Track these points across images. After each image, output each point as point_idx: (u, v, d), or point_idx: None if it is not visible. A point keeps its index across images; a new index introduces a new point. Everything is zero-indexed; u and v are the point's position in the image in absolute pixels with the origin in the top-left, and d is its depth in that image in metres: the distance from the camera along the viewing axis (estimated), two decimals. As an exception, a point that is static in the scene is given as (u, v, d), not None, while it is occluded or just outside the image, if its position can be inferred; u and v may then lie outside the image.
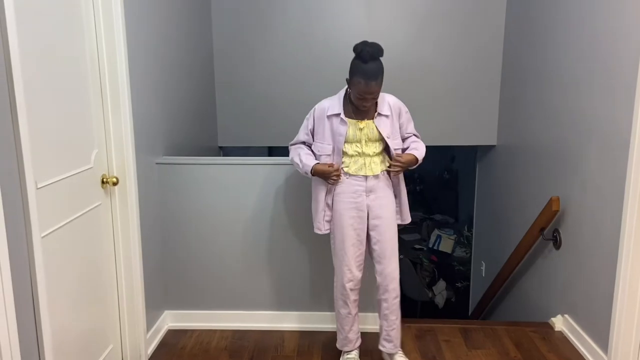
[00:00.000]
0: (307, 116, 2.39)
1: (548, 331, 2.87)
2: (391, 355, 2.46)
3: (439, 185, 7.58)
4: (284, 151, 4.09)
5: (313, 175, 2.31)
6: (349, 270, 2.36)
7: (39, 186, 1.74)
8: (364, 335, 2.59)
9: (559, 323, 2.88)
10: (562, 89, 2.94)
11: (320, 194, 2.37)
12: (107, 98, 2.22)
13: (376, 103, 2.28)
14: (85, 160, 2.10)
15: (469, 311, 5.09)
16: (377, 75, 2.13)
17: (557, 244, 2.98)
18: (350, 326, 2.45)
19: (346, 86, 2.31)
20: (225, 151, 4.36)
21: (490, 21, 3.93)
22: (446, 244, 6.52)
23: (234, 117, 4.14)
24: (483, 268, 4.66)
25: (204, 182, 2.78)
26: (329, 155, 2.30)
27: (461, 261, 6.19)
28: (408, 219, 2.45)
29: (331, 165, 2.27)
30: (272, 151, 5.73)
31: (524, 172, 3.57)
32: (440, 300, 5.84)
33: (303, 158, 2.32)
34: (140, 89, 2.47)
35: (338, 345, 2.51)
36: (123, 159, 2.31)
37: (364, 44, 2.16)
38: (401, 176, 2.39)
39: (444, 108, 4.04)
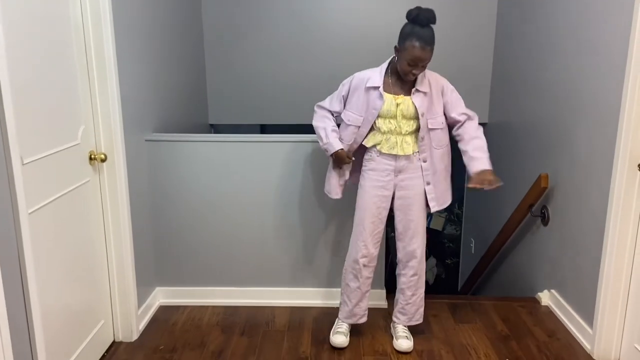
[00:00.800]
0: (344, 82, 2.33)
1: (535, 306, 2.91)
2: (398, 330, 2.50)
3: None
4: (276, 129, 4.08)
5: (330, 156, 2.31)
6: (365, 245, 2.36)
7: (25, 162, 1.73)
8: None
9: (546, 298, 2.92)
10: (553, 67, 2.93)
11: (334, 167, 2.38)
12: (94, 73, 2.19)
13: (415, 79, 2.23)
14: (72, 136, 2.08)
15: (459, 287, 5.16)
16: (432, 40, 2.09)
17: (545, 220, 3.01)
18: (358, 301, 2.46)
19: (389, 58, 2.28)
20: (216, 129, 4.33)
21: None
22: (437, 222, 6.55)
23: (225, 94, 4.11)
24: (472, 245, 4.71)
25: (195, 159, 2.77)
26: (357, 127, 2.26)
27: (451, 238, 6.24)
28: (447, 203, 2.40)
29: (350, 158, 2.30)
30: (264, 129, 5.70)
31: (514, 149, 3.58)
32: (430, 277, 5.91)
33: (330, 135, 2.30)
34: (128, 65, 2.44)
35: (342, 317, 2.51)
36: (111, 136, 2.29)
37: (419, 8, 2.11)
38: (443, 159, 2.33)
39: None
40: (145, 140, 2.70)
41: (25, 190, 1.71)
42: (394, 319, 2.54)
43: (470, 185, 2.22)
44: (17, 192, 1.66)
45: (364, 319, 2.52)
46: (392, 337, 2.53)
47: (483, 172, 2.21)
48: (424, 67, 2.16)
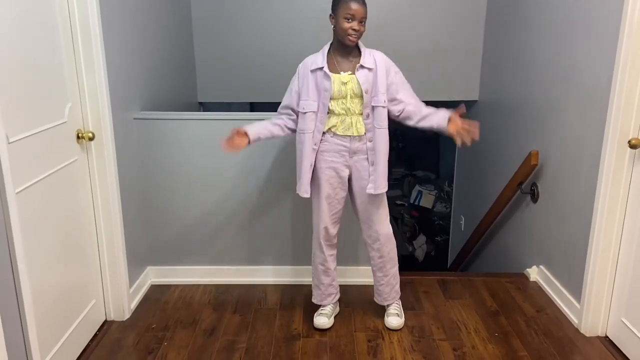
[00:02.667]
0: (293, 78, 2.31)
1: (523, 282, 2.95)
2: (389, 308, 2.53)
3: (420, 142, 7.57)
4: (266, 107, 4.02)
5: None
6: (325, 228, 2.37)
7: (10, 140, 1.69)
8: (346, 288, 2.64)
9: (534, 274, 2.96)
10: (543, 43, 2.91)
11: (305, 154, 2.26)
12: (79, 50, 2.14)
13: (360, 55, 2.21)
14: (58, 114, 2.04)
15: (448, 264, 5.21)
16: None
17: (534, 197, 3.03)
18: (330, 281, 2.48)
19: (329, 42, 2.26)
20: (206, 107, 4.28)
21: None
22: (427, 200, 6.60)
23: (214, 72, 4.05)
24: (462, 222, 4.74)
25: (184, 137, 2.74)
26: (314, 112, 2.22)
27: (441, 216, 6.29)
28: (383, 189, 2.27)
29: (243, 133, 2.26)
30: (254, 107, 5.64)
31: (504, 126, 3.58)
32: (420, 254, 5.97)
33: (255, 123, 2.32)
34: (115, 42, 2.38)
35: (315, 300, 2.53)
36: (98, 114, 2.25)
37: None
38: (384, 141, 2.25)
39: (427, 64, 3.99)
40: (134, 119, 2.66)
41: (12, 169, 1.68)
42: (376, 300, 2.56)
43: (457, 138, 2.22)
44: (3, 172, 1.63)
45: (338, 296, 2.54)
46: (384, 313, 2.55)
47: (453, 119, 2.22)
48: (362, 24, 2.13)
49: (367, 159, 2.27)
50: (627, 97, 2.15)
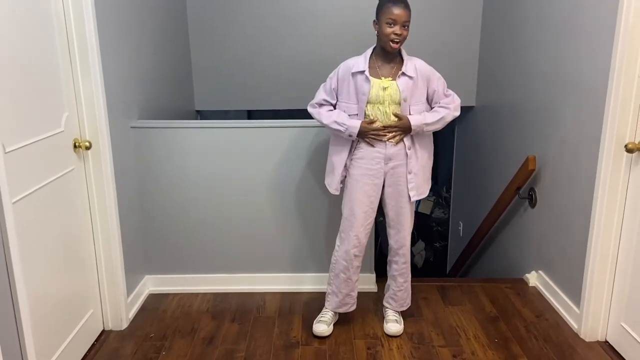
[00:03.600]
0: (331, 75, 2.29)
1: (523, 287, 2.95)
2: (388, 314, 2.52)
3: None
4: (263, 114, 4.04)
5: (358, 136, 2.21)
6: (357, 237, 2.34)
7: (7, 150, 1.69)
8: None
9: (533, 279, 2.96)
10: (539, 48, 2.93)
11: (341, 154, 2.29)
12: (76, 59, 2.14)
13: (402, 62, 2.22)
14: (55, 123, 2.04)
15: (447, 270, 5.20)
16: (406, 2, 2.12)
17: (532, 202, 3.03)
18: (349, 291, 2.45)
19: (372, 47, 2.26)
20: (203, 115, 4.28)
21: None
22: (425, 206, 6.58)
23: (210, 80, 4.05)
24: (461, 228, 4.74)
25: (181, 146, 2.74)
26: (355, 114, 2.22)
27: (440, 222, 6.28)
28: (425, 194, 2.35)
29: (372, 122, 2.19)
30: (251, 114, 5.65)
31: (501, 132, 3.59)
32: (419, 260, 5.95)
33: (341, 119, 2.21)
34: (111, 50, 2.39)
35: (332, 307, 2.49)
36: (95, 123, 2.25)
37: None
38: (425, 147, 2.28)
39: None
40: (131, 127, 2.66)
41: (8, 179, 1.67)
42: (385, 304, 2.56)
43: (393, 114, 2.21)
44: (-1, 181, 1.62)
45: (354, 307, 2.52)
46: (383, 320, 2.54)
47: (404, 119, 2.20)
48: (405, 28, 2.14)
49: (405, 164, 2.27)
50: (623, 101, 2.16)
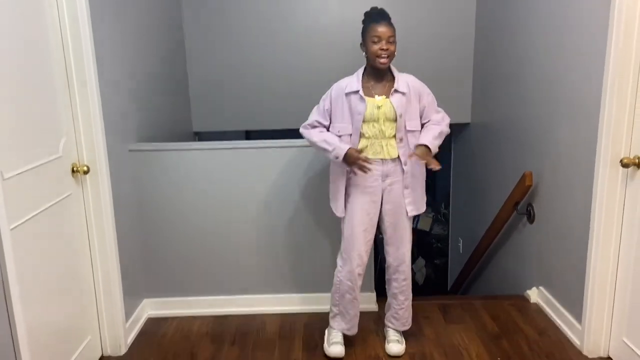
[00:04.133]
0: (324, 97, 2.30)
1: (524, 304, 2.93)
2: (390, 334, 2.49)
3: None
4: (261, 135, 4.05)
5: (343, 160, 2.20)
6: (359, 255, 2.33)
7: (5, 177, 1.70)
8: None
9: (534, 295, 2.94)
10: (534, 66, 2.96)
11: (340, 178, 2.30)
12: (74, 84, 2.16)
13: (394, 79, 2.25)
14: (53, 149, 2.05)
15: (448, 287, 5.17)
16: (387, 16, 2.19)
17: (531, 218, 3.03)
18: (356, 311, 2.44)
19: (362, 67, 2.29)
20: (201, 137, 4.30)
21: (463, 1, 3.92)
22: (424, 222, 6.58)
23: (208, 102, 4.08)
24: (460, 244, 4.73)
25: (180, 168, 2.74)
26: (349, 135, 2.24)
27: (439, 238, 6.27)
28: (423, 208, 2.37)
29: (360, 151, 2.20)
30: (249, 135, 5.68)
31: (498, 148, 3.61)
32: (419, 278, 5.93)
33: (331, 140, 2.22)
34: (109, 74, 2.41)
35: (338, 327, 2.46)
36: (93, 147, 2.26)
37: (367, 11, 2.26)
38: (417, 166, 2.30)
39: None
40: (129, 151, 2.67)
41: (7, 205, 1.68)
42: (387, 323, 2.53)
43: (409, 155, 2.23)
44: (-3, 208, 1.62)
45: (357, 327, 2.50)
46: (384, 340, 2.52)
47: (420, 146, 2.23)
48: (390, 43, 2.17)
49: (402, 181, 2.29)
50: (617, 116, 2.18)
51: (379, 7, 2.24)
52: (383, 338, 2.54)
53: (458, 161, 4.78)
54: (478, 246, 3.79)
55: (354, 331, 2.48)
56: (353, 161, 2.19)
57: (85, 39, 2.15)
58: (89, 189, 2.29)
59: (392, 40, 2.18)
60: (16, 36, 1.81)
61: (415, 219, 6.65)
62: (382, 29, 2.15)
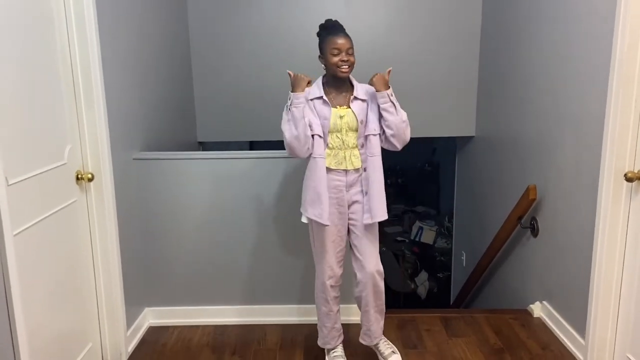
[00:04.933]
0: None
1: (527, 318, 2.91)
2: (381, 349, 2.44)
3: (420, 178, 7.63)
4: (265, 145, 4.08)
5: (295, 91, 2.17)
6: (330, 267, 2.32)
7: (10, 183, 1.71)
8: (347, 327, 2.59)
9: (538, 309, 2.92)
10: (537, 79, 2.97)
11: (322, 180, 2.20)
12: (80, 92, 2.18)
13: (352, 88, 2.25)
14: (58, 156, 2.06)
15: (451, 301, 5.14)
16: (341, 27, 2.20)
17: (534, 231, 3.02)
18: (333, 324, 2.41)
19: (321, 76, 2.28)
20: (205, 147, 4.32)
21: (468, 14, 3.95)
22: (428, 236, 6.57)
23: (213, 112, 4.11)
24: (464, 258, 4.71)
25: (183, 177, 2.75)
26: (320, 136, 2.20)
27: (442, 252, 6.25)
28: (380, 217, 2.23)
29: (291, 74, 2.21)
30: (253, 145, 5.70)
31: (502, 161, 3.61)
32: (422, 291, 5.89)
33: (283, 116, 2.21)
34: (115, 83, 2.43)
35: (320, 343, 2.46)
36: (98, 155, 2.27)
37: (322, 23, 2.26)
38: (378, 169, 2.25)
39: (424, 100, 4.05)
40: (133, 159, 2.69)
41: (10, 211, 1.68)
42: (361, 340, 2.44)
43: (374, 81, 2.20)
44: (1, 213, 1.63)
45: (342, 338, 2.47)
46: (377, 352, 2.46)
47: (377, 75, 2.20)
48: (350, 55, 2.17)
49: (362, 190, 2.27)
50: (621, 130, 2.18)
51: (330, 21, 2.25)
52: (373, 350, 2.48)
53: (462, 174, 4.78)
54: (481, 260, 3.77)
55: (333, 344, 2.43)
56: (298, 80, 2.20)
57: (92, 48, 2.17)
58: (93, 197, 2.30)
59: (351, 52, 2.19)
60: (23, 44, 1.83)
61: (418, 232, 6.63)
62: (341, 41, 2.16)
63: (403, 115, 2.22)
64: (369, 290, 2.32)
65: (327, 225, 2.23)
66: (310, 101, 2.24)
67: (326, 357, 2.46)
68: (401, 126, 2.20)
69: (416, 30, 3.98)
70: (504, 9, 3.52)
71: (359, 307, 2.40)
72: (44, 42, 1.96)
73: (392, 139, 2.22)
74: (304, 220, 2.30)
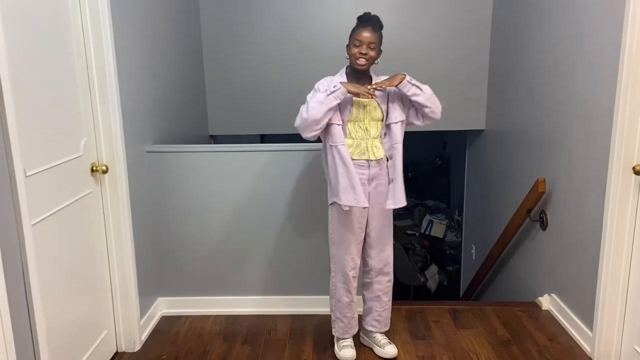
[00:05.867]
0: (315, 88, 2.26)
1: (535, 310, 2.92)
2: (378, 339, 2.50)
3: (431, 172, 7.63)
4: (276, 138, 4.12)
5: (348, 89, 2.15)
6: (352, 259, 2.35)
7: (28, 174, 1.76)
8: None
9: (546, 302, 2.93)
10: (547, 73, 2.97)
11: (349, 162, 2.19)
12: (95, 86, 2.23)
13: (371, 81, 2.27)
14: (74, 148, 2.11)
15: (460, 294, 5.16)
16: (372, 21, 2.21)
17: (543, 224, 3.02)
18: (353, 313, 2.45)
19: (345, 66, 2.31)
20: (217, 140, 4.36)
21: (478, 8, 3.94)
22: (438, 229, 6.57)
23: (224, 105, 4.14)
24: (473, 251, 4.72)
25: (195, 170, 2.80)
26: (339, 125, 2.21)
27: (452, 245, 6.25)
28: (403, 202, 2.27)
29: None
30: (264, 139, 5.74)
31: (511, 155, 3.61)
32: (432, 285, 5.91)
33: (320, 95, 2.16)
34: (128, 77, 2.48)
35: (338, 334, 2.47)
36: (112, 147, 2.32)
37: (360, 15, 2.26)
38: (400, 155, 2.28)
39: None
40: (146, 152, 2.73)
41: (29, 201, 1.73)
42: (370, 328, 2.51)
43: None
44: (20, 204, 1.68)
45: (357, 328, 2.52)
46: (369, 346, 2.52)
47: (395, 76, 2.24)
48: (371, 49, 2.19)
49: (387, 182, 2.30)
50: (630, 123, 2.18)
51: (372, 13, 2.27)
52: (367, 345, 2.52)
53: (472, 168, 4.78)
54: (490, 253, 3.78)
55: (352, 333, 2.49)
56: (356, 89, 2.16)
57: (106, 44, 2.21)
58: (107, 188, 2.35)
59: (372, 46, 2.20)
60: (40, 40, 1.88)
61: (429, 225, 6.64)
62: (365, 34, 2.19)
63: (427, 89, 2.27)
64: (382, 278, 2.40)
65: (366, 207, 2.24)
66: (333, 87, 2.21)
67: (336, 346, 2.50)
68: (432, 99, 2.28)
69: (425, 23, 3.97)
70: (514, 2, 3.51)
71: (366, 294, 2.48)
72: (59, 37, 2.01)
73: (431, 114, 2.29)
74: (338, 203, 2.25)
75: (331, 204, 2.34)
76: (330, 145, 2.24)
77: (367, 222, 2.36)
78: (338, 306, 2.44)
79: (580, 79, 2.59)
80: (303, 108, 2.23)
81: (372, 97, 2.19)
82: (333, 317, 2.49)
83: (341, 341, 2.49)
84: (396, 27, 3.97)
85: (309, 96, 2.25)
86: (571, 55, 2.68)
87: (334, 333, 2.50)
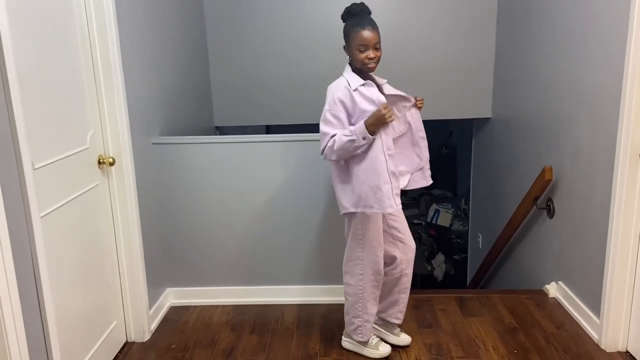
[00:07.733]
0: (330, 111, 2.10)
1: (542, 298, 2.92)
2: (396, 329, 2.50)
3: (437, 161, 7.56)
4: (281, 129, 4.12)
5: (372, 133, 2.03)
6: (381, 257, 2.29)
7: (35, 167, 1.77)
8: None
9: (553, 290, 2.93)
10: (554, 60, 2.94)
11: (380, 164, 2.08)
12: (100, 78, 2.24)
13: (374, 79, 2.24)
14: (81, 141, 2.13)
15: (467, 282, 5.16)
16: (367, 17, 2.08)
17: (550, 212, 3.02)
18: (375, 310, 2.39)
19: (347, 63, 2.21)
20: (222, 131, 4.37)
21: (484, -7, 3.91)
22: (444, 218, 6.57)
23: (229, 97, 4.15)
24: (480, 240, 4.71)
25: (202, 161, 2.81)
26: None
27: (459, 234, 6.25)
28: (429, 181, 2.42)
29: (378, 109, 2.03)
30: (270, 129, 5.74)
31: (518, 143, 3.59)
32: (439, 274, 5.92)
33: (346, 133, 2.05)
34: (134, 69, 2.48)
35: (366, 338, 2.37)
36: (119, 140, 2.33)
37: (350, 5, 2.14)
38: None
39: (440, 82, 4.04)
40: (153, 144, 2.75)
41: (37, 194, 1.75)
42: (394, 320, 2.46)
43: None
44: (28, 197, 1.70)
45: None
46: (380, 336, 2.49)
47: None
48: (377, 50, 2.08)
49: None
50: (637, 109, 2.16)
51: (357, 5, 2.12)
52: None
53: (478, 156, 4.76)
54: (497, 241, 3.78)
55: (372, 334, 2.45)
56: (380, 119, 2.03)
57: (110, 36, 2.22)
58: (115, 180, 2.37)
59: (377, 46, 2.07)
60: (47, 33, 1.88)
61: (435, 214, 6.63)
62: (368, 36, 2.03)
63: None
64: (410, 269, 2.39)
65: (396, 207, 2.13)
66: (354, 91, 2.10)
67: (367, 349, 2.41)
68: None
69: (431, 10, 3.94)
70: (520, -12, 3.47)
71: (394, 289, 2.41)
72: (65, 30, 2.01)
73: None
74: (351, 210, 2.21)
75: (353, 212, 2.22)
76: (364, 152, 2.09)
77: (384, 216, 2.29)
78: (365, 309, 2.33)
79: (587, 64, 2.56)
80: (330, 144, 2.09)
81: (396, 117, 2.17)
82: (357, 324, 2.36)
83: (371, 340, 2.41)
84: (400, 15, 3.94)
85: (327, 116, 2.11)
86: (577, 41, 2.66)
87: (360, 339, 2.39)
